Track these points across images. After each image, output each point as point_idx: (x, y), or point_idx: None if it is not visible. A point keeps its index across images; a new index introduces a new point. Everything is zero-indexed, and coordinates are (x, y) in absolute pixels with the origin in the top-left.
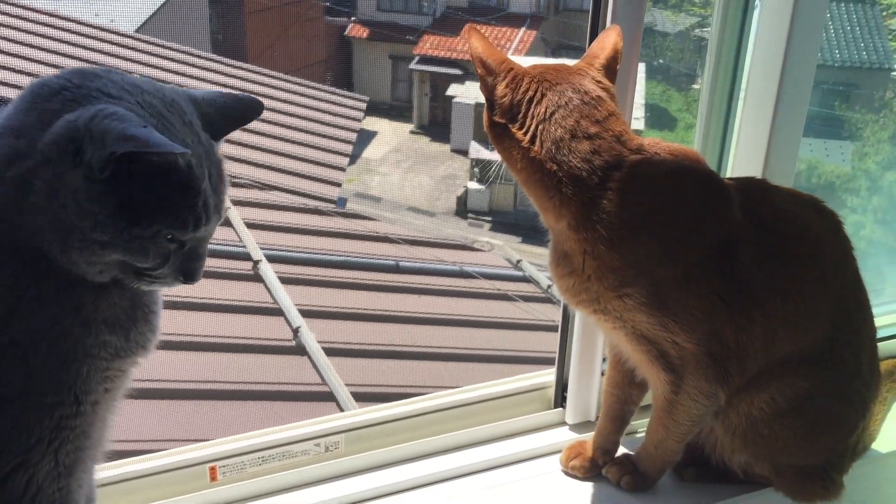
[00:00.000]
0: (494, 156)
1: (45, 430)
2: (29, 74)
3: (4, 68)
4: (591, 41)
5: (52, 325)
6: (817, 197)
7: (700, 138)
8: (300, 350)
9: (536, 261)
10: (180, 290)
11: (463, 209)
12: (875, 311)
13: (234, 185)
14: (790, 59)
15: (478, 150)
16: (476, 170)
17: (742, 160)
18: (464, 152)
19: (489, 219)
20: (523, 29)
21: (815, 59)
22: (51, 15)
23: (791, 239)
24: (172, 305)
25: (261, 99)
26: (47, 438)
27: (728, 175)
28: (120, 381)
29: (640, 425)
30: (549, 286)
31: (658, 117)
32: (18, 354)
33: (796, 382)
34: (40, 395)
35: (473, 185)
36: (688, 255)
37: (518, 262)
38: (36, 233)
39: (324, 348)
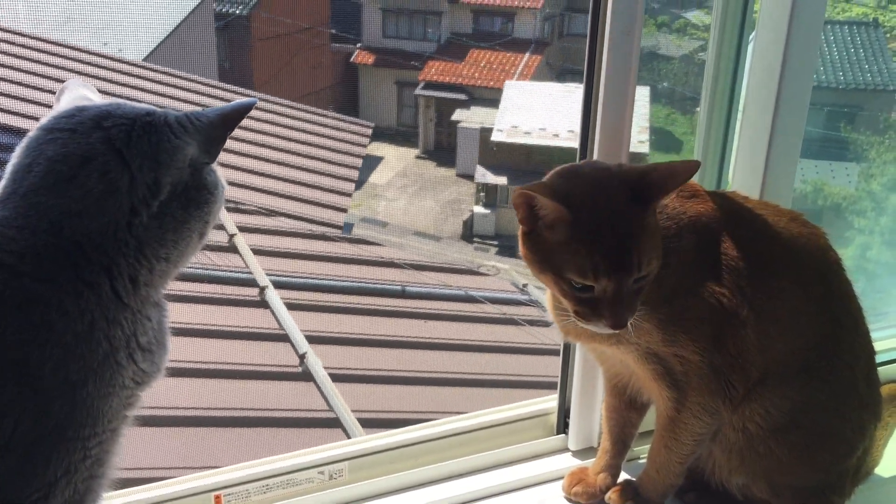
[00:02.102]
0: (500, 180)
1: (74, 461)
2: (38, 104)
3: (13, 97)
4: (588, 68)
5: (104, 361)
6: (796, 211)
7: (698, 159)
8: (306, 376)
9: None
10: (186, 317)
11: (469, 233)
12: (882, 332)
13: (240, 211)
14: (786, 82)
15: (483, 175)
16: (482, 194)
17: (740, 182)
18: (469, 177)
19: (495, 243)
20: (527, 54)
21: (811, 82)
22: (59, 45)
23: (764, 238)
24: (179, 332)
25: (266, 124)
26: (73, 469)
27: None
28: (137, 405)
29: (641, 451)
30: None
31: (663, 140)
32: (68, 391)
33: (791, 395)
34: (79, 428)
35: (479, 209)
36: (697, 274)
37: (524, 286)
38: (134, 260)
39: (330, 374)
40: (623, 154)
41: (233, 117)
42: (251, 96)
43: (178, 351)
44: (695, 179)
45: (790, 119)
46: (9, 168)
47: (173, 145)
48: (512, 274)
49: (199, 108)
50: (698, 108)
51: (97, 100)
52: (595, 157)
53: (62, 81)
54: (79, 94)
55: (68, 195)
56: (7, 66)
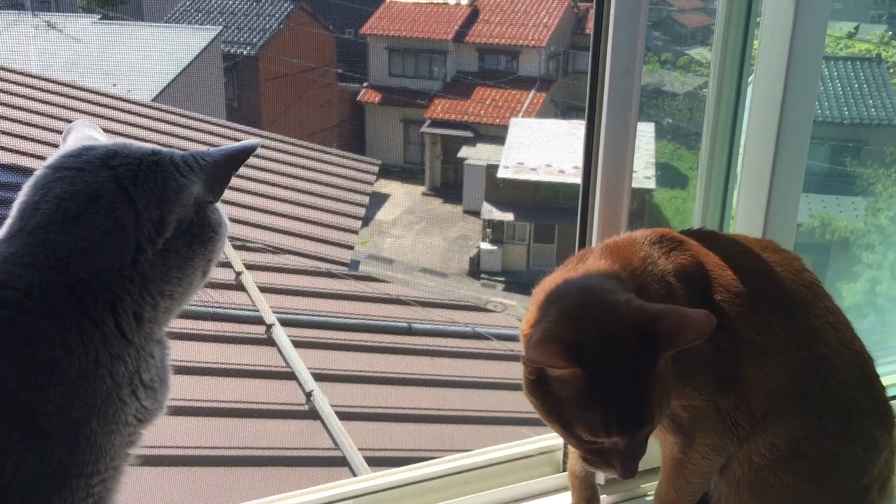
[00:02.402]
0: (506, 216)
1: (76, 499)
2: (49, 144)
3: (24, 138)
4: (589, 105)
5: (108, 397)
6: (766, 239)
7: (701, 196)
8: (313, 414)
9: None
10: (193, 355)
11: (476, 270)
12: (891, 367)
13: (248, 249)
14: (786, 119)
15: (490, 211)
16: (488, 230)
17: (744, 217)
18: (476, 213)
19: (502, 279)
20: (533, 91)
21: (811, 118)
22: (68, 85)
23: (746, 273)
24: (185, 371)
25: (273, 162)
26: None
27: (732, 231)
28: (139, 443)
29: (649, 489)
30: None
31: (669, 176)
32: (71, 429)
33: (793, 423)
34: (82, 466)
35: (486, 245)
36: None
37: None
38: (139, 297)
39: (336, 412)
40: (625, 190)
41: (237, 158)
42: (258, 135)
43: (185, 389)
44: (697, 219)
45: (791, 154)
46: (16, 206)
47: (179, 184)
48: (519, 310)
49: (204, 149)
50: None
51: (103, 140)
52: (598, 193)
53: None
54: (85, 134)
55: (75, 232)
56: (18, 106)
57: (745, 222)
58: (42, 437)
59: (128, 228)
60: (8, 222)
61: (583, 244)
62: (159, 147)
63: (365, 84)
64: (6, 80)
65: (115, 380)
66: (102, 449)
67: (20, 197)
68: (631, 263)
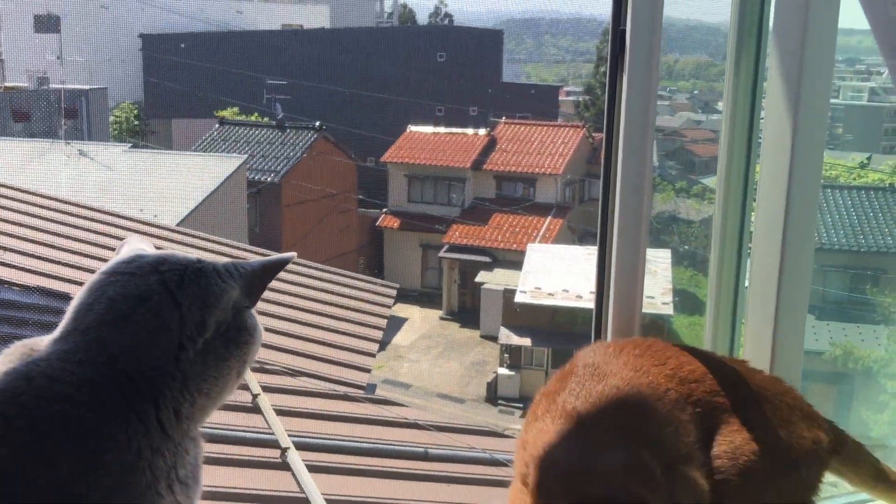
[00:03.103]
0: (524, 341)
1: None
2: (79, 268)
3: (55, 262)
4: (601, 231)
5: (147, 490)
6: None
7: (711, 323)
8: None
9: None
10: (206, 479)
11: (493, 396)
12: None
13: (264, 371)
14: (789, 243)
15: (507, 336)
16: (506, 355)
17: (751, 343)
18: (493, 338)
19: (520, 405)
20: (549, 217)
21: (813, 242)
22: (96, 210)
23: (705, 400)
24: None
25: (292, 286)
26: None
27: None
28: None
29: None
30: None
31: (687, 302)
32: None
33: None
34: None
35: (503, 370)
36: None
37: None
38: (179, 394)
39: None
40: (636, 316)
41: (273, 268)
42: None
43: None
44: (708, 345)
45: (796, 280)
46: (71, 307)
47: (220, 289)
48: None
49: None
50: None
51: (152, 252)
52: (610, 317)
53: (98, 245)
54: (137, 247)
55: (125, 331)
56: (48, 230)
57: (753, 348)
58: None
59: (172, 328)
60: (63, 322)
61: None
62: (202, 258)
63: (384, 210)
64: (39, 206)
65: (154, 473)
66: None
67: (75, 300)
68: None
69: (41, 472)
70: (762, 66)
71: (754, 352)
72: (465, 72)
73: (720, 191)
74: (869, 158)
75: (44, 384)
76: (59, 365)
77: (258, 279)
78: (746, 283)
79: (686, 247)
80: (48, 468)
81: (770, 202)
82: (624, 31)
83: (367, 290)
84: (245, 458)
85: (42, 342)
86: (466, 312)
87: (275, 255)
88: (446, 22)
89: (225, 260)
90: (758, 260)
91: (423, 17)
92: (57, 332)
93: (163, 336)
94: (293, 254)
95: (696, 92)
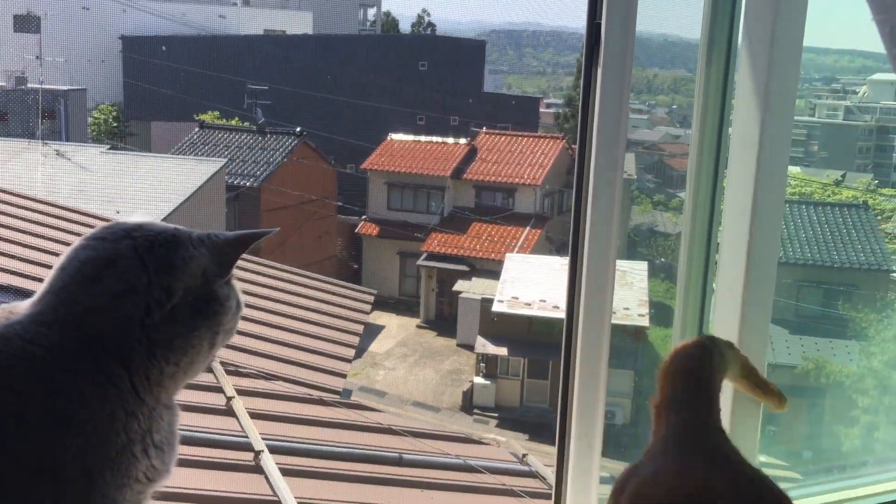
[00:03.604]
0: (500, 350)
1: None
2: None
3: (28, 261)
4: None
5: (122, 452)
6: None
7: (678, 336)
8: None
9: (543, 459)
10: (178, 482)
11: (469, 405)
12: None
13: (239, 374)
14: (753, 258)
15: (484, 345)
16: (482, 364)
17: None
18: (470, 347)
19: (496, 415)
20: (528, 228)
21: (777, 257)
22: (72, 210)
23: None
24: (170, 497)
25: (270, 290)
26: None
27: None
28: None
29: None
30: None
31: (663, 314)
32: (86, 481)
33: None
34: None
35: (479, 380)
36: None
37: (524, 455)
38: (146, 360)
39: None
40: (605, 326)
41: (247, 239)
42: (256, 263)
43: None
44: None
45: (759, 294)
46: (50, 273)
47: (189, 254)
48: (512, 444)
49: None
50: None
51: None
52: (580, 327)
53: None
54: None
55: (91, 292)
56: (20, 229)
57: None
58: (60, 485)
59: (138, 291)
60: (41, 288)
61: (567, 377)
62: (183, 227)
63: (364, 217)
64: (11, 204)
65: (128, 436)
66: (114, 502)
67: (54, 266)
68: None
69: (15, 430)
70: (731, 81)
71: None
72: (447, 81)
73: (689, 203)
74: (844, 176)
75: (18, 345)
76: (32, 327)
77: (230, 249)
78: (713, 296)
79: (662, 259)
80: (21, 426)
81: (736, 214)
82: (599, 25)
83: (345, 296)
84: (219, 460)
85: (22, 305)
86: (444, 321)
87: (253, 230)
88: (429, 31)
89: (201, 231)
90: (723, 272)
91: (405, 27)
92: (35, 296)
93: (128, 299)
94: (276, 228)
95: (674, 106)
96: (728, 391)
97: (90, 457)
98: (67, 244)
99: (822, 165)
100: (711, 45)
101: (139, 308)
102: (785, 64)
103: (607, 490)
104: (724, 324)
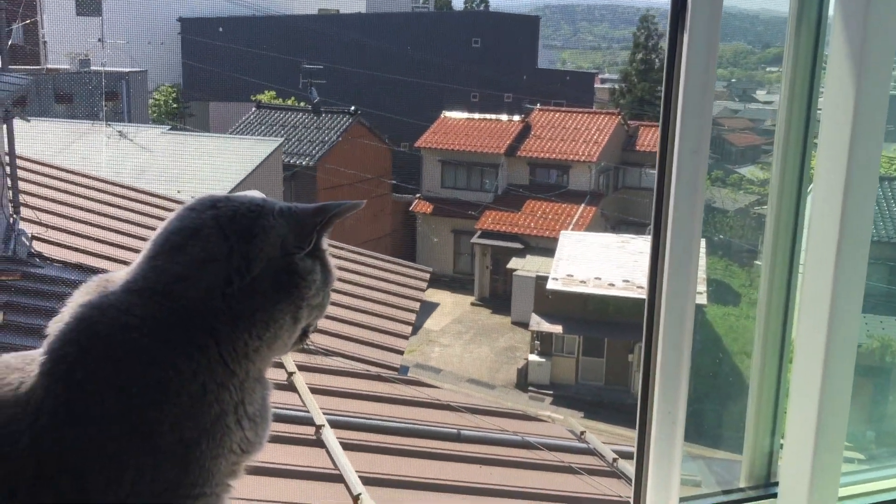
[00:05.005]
0: (555, 328)
1: None
2: (116, 245)
3: (95, 239)
4: (655, 221)
5: (216, 422)
6: None
7: (763, 318)
8: None
9: (600, 437)
10: None
11: (523, 382)
12: None
13: (300, 350)
14: (845, 235)
15: (538, 323)
16: (537, 342)
17: (805, 337)
18: (524, 324)
19: (550, 392)
20: (583, 205)
21: (869, 236)
22: (135, 190)
23: None
24: None
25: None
26: None
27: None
28: (240, 475)
29: None
30: (614, 459)
31: (721, 292)
32: (182, 450)
33: None
34: (190, 487)
35: (534, 357)
36: None
37: (582, 433)
38: (230, 332)
39: None
40: (689, 307)
41: (325, 210)
42: None
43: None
44: (759, 341)
45: (851, 272)
46: (146, 243)
47: (268, 224)
48: (569, 421)
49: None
50: (757, 261)
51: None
52: (663, 309)
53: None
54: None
55: (176, 261)
56: (88, 209)
57: (805, 345)
58: (157, 454)
59: (220, 259)
60: (137, 257)
61: (648, 360)
62: (270, 199)
63: (418, 195)
64: (79, 185)
65: (221, 406)
66: (209, 472)
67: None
68: None
69: (114, 396)
70: (821, 55)
71: (807, 345)
72: (501, 58)
73: (775, 181)
74: None
75: (114, 315)
76: (126, 297)
77: (308, 220)
78: (800, 275)
79: (721, 236)
80: (120, 393)
81: (827, 194)
82: None
83: (402, 274)
84: (280, 434)
85: (118, 275)
86: (498, 298)
87: (340, 201)
88: (482, 7)
89: (285, 203)
90: (813, 253)
91: (458, 3)
92: (131, 265)
93: (210, 267)
94: (362, 202)
95: (733, 80)
96: (819, 371)
97: (186, 426)
98: (131, 223)
99: (888, 139)
100: (801, 16)
101: (220, 277)
102: (881, 34)
103: (689, 472)
104: (813, 305)
